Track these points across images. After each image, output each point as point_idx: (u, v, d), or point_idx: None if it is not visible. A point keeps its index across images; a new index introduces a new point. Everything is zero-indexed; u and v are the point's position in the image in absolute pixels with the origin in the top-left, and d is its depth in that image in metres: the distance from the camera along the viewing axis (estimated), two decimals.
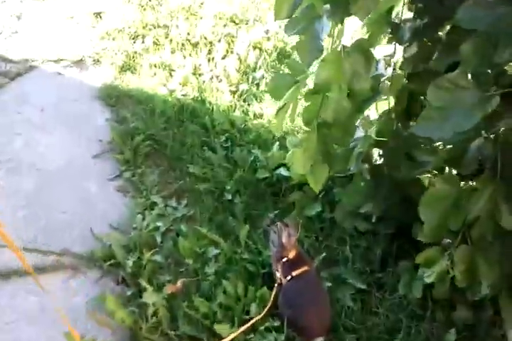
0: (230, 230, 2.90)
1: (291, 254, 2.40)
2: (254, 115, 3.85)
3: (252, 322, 2.21)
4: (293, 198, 3.11)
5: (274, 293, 2.32)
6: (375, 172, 2.73)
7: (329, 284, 2.50)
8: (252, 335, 2.22)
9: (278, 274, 2.37)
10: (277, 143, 3.46)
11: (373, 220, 2.76)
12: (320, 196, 2.90)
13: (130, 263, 2.55)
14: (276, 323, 2.26)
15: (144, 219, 2.88)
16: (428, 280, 2.25)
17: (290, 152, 2.75)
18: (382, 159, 2.79)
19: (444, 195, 2.00)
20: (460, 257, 2.08)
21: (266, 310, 2.25)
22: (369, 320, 2.41)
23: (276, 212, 3.04)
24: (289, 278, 2.30)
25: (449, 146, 2.19)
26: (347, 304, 2.44)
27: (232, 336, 2.17)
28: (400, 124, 2.47)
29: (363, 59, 2.03)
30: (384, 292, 2.53)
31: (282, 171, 3.24)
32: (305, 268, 2.32)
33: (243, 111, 3.87)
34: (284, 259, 2.37)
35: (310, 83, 2.37)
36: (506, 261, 1.96)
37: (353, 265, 2.68)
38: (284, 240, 2.42)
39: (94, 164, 3.32)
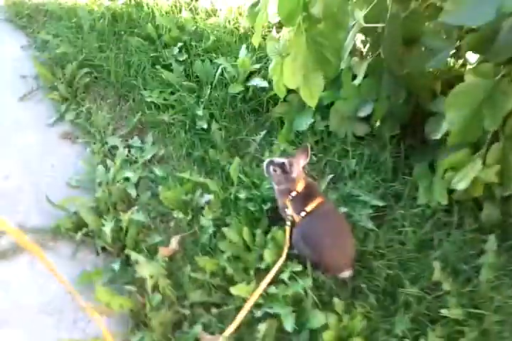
0: (214, 166, 2.43)
1: (300, 187, 2.01)
2: (207, 13, 3.11)
3: (272, 273, 1.89)
4: (278, 112, 2.62)
5: (287, 233, 2.00)
6: (372, 68, 2.25)
7: (344, 209, 2.17)
8: (274, 288, 1.88)
9: (288, 211, 2.00)
10: (243, 46, 2.82)
11: (377, 124, 2.38)
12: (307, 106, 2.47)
13: (107, 229, 2.08)
14: (298, 268, 1.93)
15: (107, 169, 2.34)
16: (461, 187, 1.95)
17: (273, 63, 2.16)
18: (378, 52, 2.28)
19: (476, 89, 1.73)
20: (493, 157, 1.91)
21: (284, 255, 1.94)
22: (395, 240, 2.11)
23: (262, 133, 2.54)
24: (303, 214, 1.96)
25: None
26: (367, 226, 2.12)
27: (254, 296, 1.84)
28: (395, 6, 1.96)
29: None
30: (403, 204, 2.22)
31: (257, 81, 2.68)
32: (318, 199, 1.98)
33: (191, 10, 3.11)
34: (293, 194, 2.00)
35: None
36: None
37: (361, 178, 2.33)
38: (294, 175, 2.00)
39: (23, 109, 2.62)
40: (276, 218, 2.13)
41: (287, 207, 2.01)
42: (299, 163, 2.01)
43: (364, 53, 2.46)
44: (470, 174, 1.95)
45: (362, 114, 2.41)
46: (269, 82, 2.66)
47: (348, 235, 1.97)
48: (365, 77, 2.25)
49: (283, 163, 2.01)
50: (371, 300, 1.86)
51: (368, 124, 2.42)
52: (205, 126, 2.55)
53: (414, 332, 1.76)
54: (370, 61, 2.26)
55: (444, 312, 1.78)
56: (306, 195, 1.99)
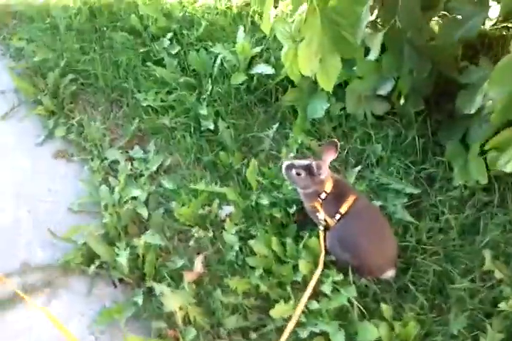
0: (228, 170, 2.19)
1: (329, 187, 1.82)
2: None
3: (311, 286, 1.72)
4: (289, 100, 2.35)
5: (321, 239, 1.83)
6: (389, 41, 2.01)
7: (376, 202, 1.96)
8: (315, 303, 1.71)
9: (320, 216, 1.84)
10: (240, 28, 2.51)
11: (402, 101, 2.12)
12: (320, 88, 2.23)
13: (122, 258, 1.84)
14: (339, 277, 1.75)
15: (110, 189, 2.09)
16: (510, 169, 1.77)
17: (285, 48, 1.88)
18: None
19: None
20: None
21: (321, 264, 1.77)
22: (435, 229, 1.90)
23: (275, 126, 2.27)
24: (337, 217, 1.79)
25: None
26: (405, 218, 1.93)
27: (296, 315, 1.65)
28: None
29: None
30: (438, 188, 2.02)
31: (261, 68, 2.41)
32: (352, 197, 1.79)
33: None
34: (323, 196, 1.81)
35: None
36: None
37: (388, 164, 2.11)
38: (323, 176, 1.77)
39: (7, 129, 2.36)
40: (304, 221, 1.95)
41: (318, 211, 1.82)
42: (327, 163, 1.78)
43: (377, 23, 2.17)
44: None
45: (382, 91, 2.17)
46: (275, 67, 2.38)
47: (387, 232, 1.81)
48: (382, 51, 2.00)
49: (308, 165, 1.79)
50: (420, 300, 1.72)
51: (388, 102, 2.22)
52: (211, 127, 2.28)
53: (472, 329, 1.63)
54: (385, 32, 2.00)
55: (501, 306, 1.63)
56: (338, 195, 1.81)
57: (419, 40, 1.95)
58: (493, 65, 1.75)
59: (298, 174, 1.80)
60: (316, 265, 1.77)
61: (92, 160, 2.21)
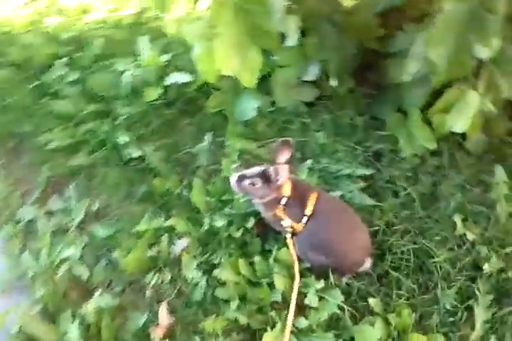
0: (169, 198, 1.91)
1: (287, 190, 1.61)
2: (78, 11, 2.46)
3: (293, 302, 1.50)
4: (214, 106, 2.12)
5: (291, 248, 1.62)
6: (306, 22, 1.92)
7: (333, 192, 1.81)
8: (303, 319, 1.52)
9: (285, 223, 1.62)
10: (142, 38, 2.23)
11: (333, 83, 2.00)
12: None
13: (72, 333, 1.50)
14: (320, 284, 1.57)
15: (35, 255, 1.74)
16: (459, 128, 1.75)
17: (197, 49, 1.64)
18: None
19: (459, 14, 1.50)
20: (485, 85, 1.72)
21: (297, 274, 1.57)
22: (399, 206, 1.80)
23: (207, 138, 2.02)
24: (304, 220, 1.58)
25: None
26: (365, 202, 1.82)
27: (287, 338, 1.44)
28: None
29: None
30: (389, 162, 1.93)
31: (176, 76, 2.15)
32: (313, 195, 1.60)
33: (59, 13, 2.46)
34: (284, 201, 1.61)
35: None
36: None
37: (334, 150, 1.98)
38: (282, 181, 1.56)
39: None
40: (266, 232, 1.75)
41: (282, 219, 1.61)
42: (284, 167, 1.55)
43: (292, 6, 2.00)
44: (467, 111, 1.70)
45: (309, 77, 2.07)
46: (191, 73, 2.13)
47: (356, 221, 1.65)
48: (302, 36, 1.92)
49: (264, 171, 1.57)
50: (406, 284, 1.61)
51: (317, 87, 2.12)
52: (135, 154, 2.00)
53: (462, 298, 1.57)
54: (302, 14, 1.82)
55: (485, 267, 1.61)
56: (299, 196, 1.61)
57: (338, 16, 1.88)
58: (420, 28, 1.66)
59: (252, 184, 1.58)
60: (292, 277, 1.58)
61: (6, 224, 1.85)
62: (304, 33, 1.97)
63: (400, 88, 1.93)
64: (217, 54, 1.52)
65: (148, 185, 1.93)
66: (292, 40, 1.96)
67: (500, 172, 1.86)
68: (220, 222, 1.77)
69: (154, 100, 2.12)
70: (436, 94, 1.85)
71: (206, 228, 1.78)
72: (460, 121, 1.73)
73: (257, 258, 1.65)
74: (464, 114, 1.71)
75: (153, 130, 2.08)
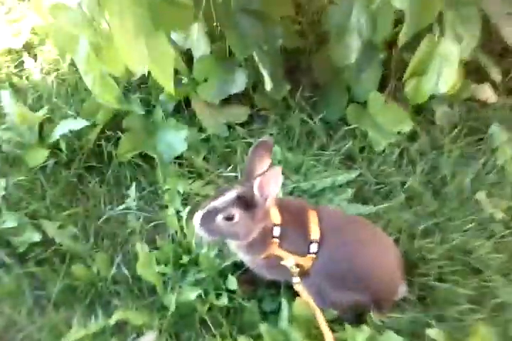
0: (103, 287, 1.31)
1: (276, 215, 1.16)
2: None
3: None
4: (126, 150, 1.66)
5: (304, 295, 1.19)
6: (224, 17, 1.60)
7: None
8: None
9: (288, 262, 1.16)
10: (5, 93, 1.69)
11: (268, 87, 1.59)
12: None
13: None
14: (363, 333, 1.15)
15: None
16: (445, 88, 1.47)
17: (82, 52, 1.22)
18: None
19: None
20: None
21: (325, 328, 1.13)
22: (396, 202, 1.52)
23: (131, 193, 1.51)
24: (313, 249, 1.16)
25: None
26: (364, 212, 1.49)
27: None
28: None
29: None
30: (367, 160, 1.64)
31: (64, 126, 1.60)
32: (310, 212, 1.20)
33: None
34: (276, 232, 1.15)
35: None
36: None
37: (299, 163, 1.62)
38: (269, 202, 1.08)
39: None
40: (255, 288, 1.31)
41: (280, 258, 1.17)
42: (274, 171, 1.06)
43: None
44: (448, 63, 1.41)
45: (237, 88, 1.70)
46: (80, 114, 1.62)
47: (381, 236, 1.29)
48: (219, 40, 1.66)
49: (239, 196, 1.08)
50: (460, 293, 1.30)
51: (248, 99, 1.77)
52: (34, 239, 1.33)
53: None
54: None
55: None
56: (294, 219, 1.18)
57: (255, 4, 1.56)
58: None
59: (229, 218, 1.07)
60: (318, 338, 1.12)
61: None
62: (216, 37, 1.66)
63: (344, 78, 1.68)
64: (118, 45, 1.08)
65: (63, 278, 1.29)
66: (202, 49, 1.62)
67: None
68: (189, 295, 1.22)
69: (42, 165, 1.53)
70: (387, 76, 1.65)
71: (172, 309, 1.18)
72: (444, 77, 1.44)
73: (262, 328, 1.16)
74: (447, 66, 1.42)
75: (51, 201, 1.46)
